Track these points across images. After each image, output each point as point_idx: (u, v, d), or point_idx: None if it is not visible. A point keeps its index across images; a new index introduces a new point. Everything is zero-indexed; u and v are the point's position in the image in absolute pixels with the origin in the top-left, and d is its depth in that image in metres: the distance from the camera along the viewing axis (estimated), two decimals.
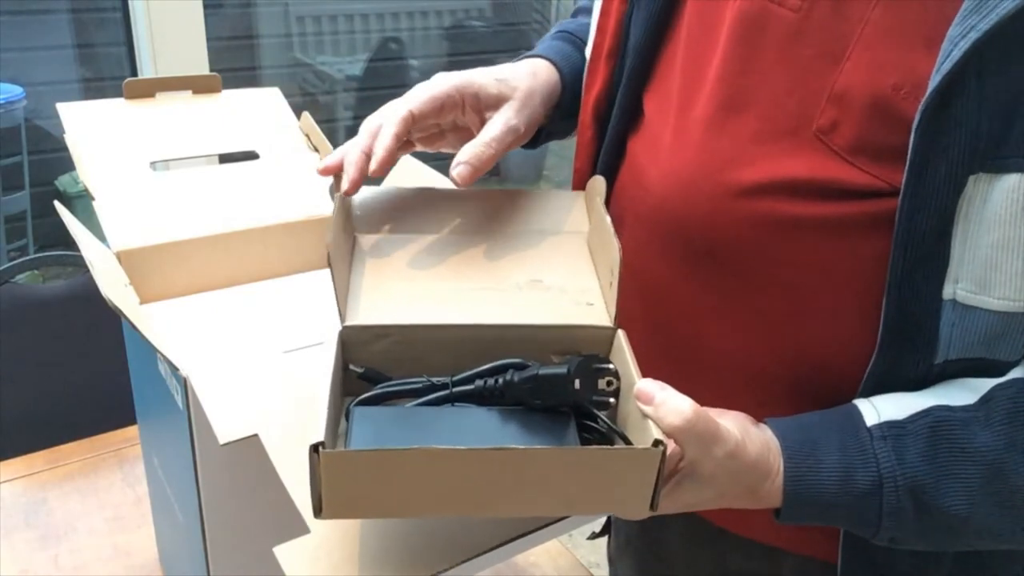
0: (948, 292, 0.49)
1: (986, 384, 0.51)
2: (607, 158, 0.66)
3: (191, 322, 0.66)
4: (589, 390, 0.50)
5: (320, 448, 0.43)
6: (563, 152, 3.54)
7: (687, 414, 0.46)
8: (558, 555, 0.91)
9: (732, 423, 0.50)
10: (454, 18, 3.31)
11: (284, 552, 0.47)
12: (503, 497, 0.45)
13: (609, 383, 0.50)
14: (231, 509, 0.60)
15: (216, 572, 0.62)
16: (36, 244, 2.65)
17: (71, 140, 0.76)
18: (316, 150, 0.82)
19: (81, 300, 1.29)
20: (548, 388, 0.49)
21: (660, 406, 0.46)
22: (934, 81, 0.46)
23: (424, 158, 0.73)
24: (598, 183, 0.63)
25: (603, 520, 0.82)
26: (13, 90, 2.48)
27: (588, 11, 0.72)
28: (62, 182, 2.62)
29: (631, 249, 0.61)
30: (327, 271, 0.51)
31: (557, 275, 0.59)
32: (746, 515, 0.65)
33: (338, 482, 0.43)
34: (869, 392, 0.52)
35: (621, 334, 0.54)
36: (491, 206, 0.65)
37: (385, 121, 0.59)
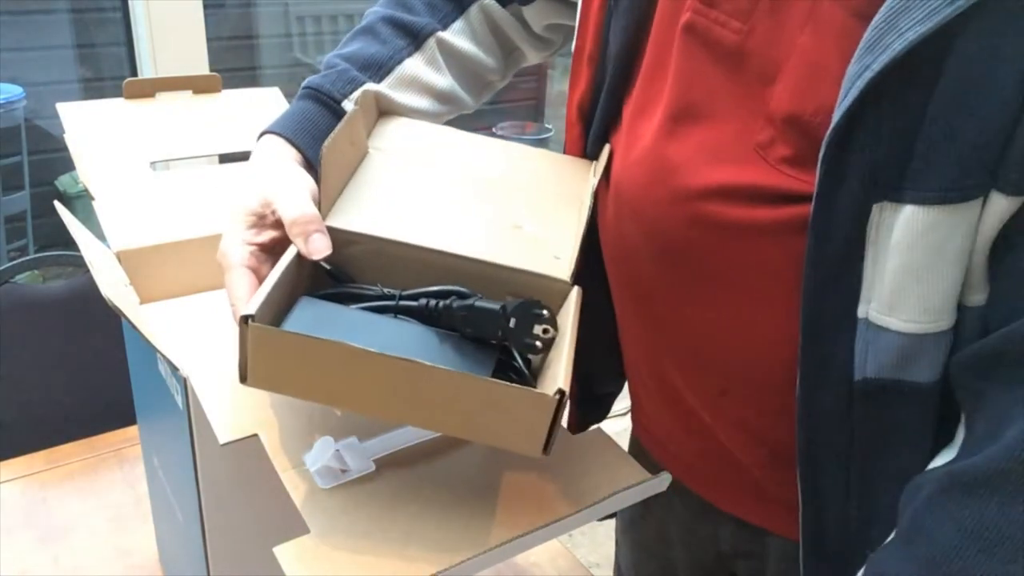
0: (862, 311, 0.51)
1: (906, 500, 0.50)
2: (592, 156, 0.68)
3: (191, 322, 0.66)
4: (523, 332, 0.52)
5: (249, 320, 0.46)
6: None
7: None
8: (558, 555, 0.91)
9: None
10: None
11: (284, 552, 0.47)
12: (406, 407, 0.48)
13: (545, 331, 0.52)
14: (231, 509, 0.60)
15: (216, 572, 0.62)
16: (36, 244, 2.65)
17: (71, 140, 0.76)
18: None
19: (81, 300, 1.29)
20: (480, 320, 0.52)
21: None
22: (835, 117, 0.47)
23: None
24: (608, 151, 0.66)
25: None
26: (13, 90, 2.48)
27: (345, 62, 0.70)
28: (62, 182, 2.62)
29: (618, 242, 0.64)
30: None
31: (540, 226, 0.61)
32: (723, 488, 0.69)
33: (262, 356, 0.47)
34: (802, 390, 0.54)
35: (576, 291, 0.56)
36: (508, 156, 0.68)
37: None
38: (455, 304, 0.53)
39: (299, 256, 0.54)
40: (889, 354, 0.51)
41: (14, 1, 2.47)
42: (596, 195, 0.64)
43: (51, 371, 1.28)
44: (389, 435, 0.56)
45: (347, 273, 0.57)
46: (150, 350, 0.58)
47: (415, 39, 0.73)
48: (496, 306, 0.52)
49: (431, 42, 0.73)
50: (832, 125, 0.47)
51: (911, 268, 0.48)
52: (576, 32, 0.67)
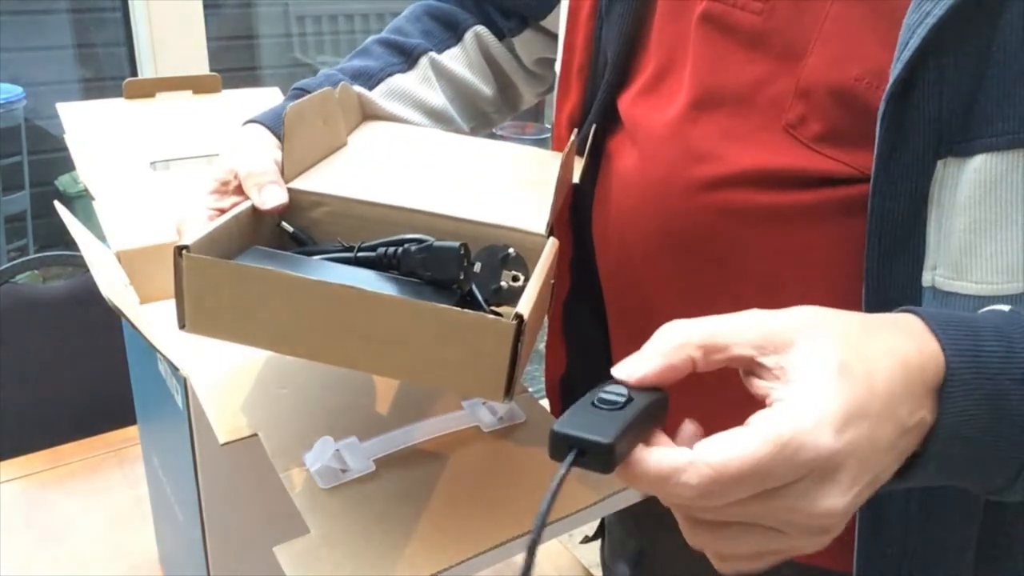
0: (927, 279, 0.49)
1: None
2: (589, 164, 0.67)
3: None
4: (490, 278, 0.49)
5: (184, 251, 0.43)
6: None
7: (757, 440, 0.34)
8: (558, 555, 0.91)
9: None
10: None
11: (284, 552, 0.47)
12: (353, 346, 0.44)
13: (515, 278, 0.49)
14: (231, 509, 0.60)
15: (216, 572, 0.62)
16: (36, 244, 2.65)
17: (71, 140, 0.76)
18: None
19: (81, 300, 1.29)
20: (440, 261, 0.48)
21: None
22: (895, 70, 0.46)
23: None
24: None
25: (596, 524, 0.82)
26: (13, 90, 2.48)
27: (339, 72, 0.70)
28: (62, 182, 2.62)
29: (619, 250, 0.62)
30: None
31: (517, 194, 0.59)
32: None
33: (198, 292, 0.44)
34: None
35: (551, 241, 0.53)
36: (494, 150, 0.67)
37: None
38: (412, 248, 0.50)
39: (256, 212, 0.53)
40: None
41: (14, 1, 2.47)
42: (582, 189, 0.63)
43: (51, 371, 1.28)
44: (389, 435, 0.56)
45: (311, 236, 0.55)
46: (150, 350, 0.58)
47: (408, 57, 0.73)
48: (455, 244, 0.48)
49: (424, 61, 0.73)
50: (892, 79, 0.46)
51: (981, 225, 0.46)
52: (562, 47, 0.67)
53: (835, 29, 0.50)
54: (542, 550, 0.91)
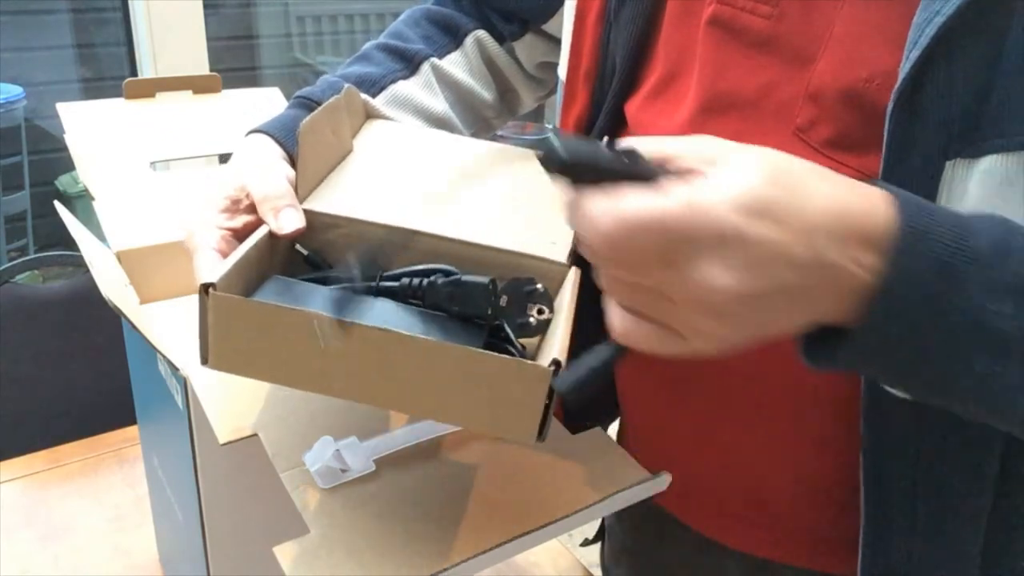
0: None
1: None
2: None
3: (191, 322, 0.66)
4: (516, 312, 0.48)
5: (210, 289, 0.42)
6: None
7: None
8: (558, 555, 0.91)
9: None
10: None
11: (284, 552, 0.47)
12: (382, 387, 0.43)
13: (540, 311, 0.48)
14: (231, 509, 0.60)
15: (216, 572, 0.62)
16: (36, 244, 2.65)
17: (71, 140, 0.76)
18: None
19: (81, 300, 1.29)
20: (468, 296, 0.47)
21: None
22: (904, 69, 0.46)
23: None
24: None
25: (596, 525, 0.82)
26: (13, 90, 2.48)
27: (341, 79, 0.69)
28: (62, 182, 2.62)
29: None
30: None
31: (534, 214, 0.58)
32: (738, 525, 0.64)
33: (224, 330, 0.43)
34: (868, 384, 0.52)
35: (573, 272, 0.53)
36: (501, 155, 0.66)
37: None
38: (439, 281, 0.49)
39: (272, 237, 0.52)
40: None
41: (14, 1, 2.47)
42: None
43: (51, 371, 1.28)
44: (389, 435, 0.56)
45: (325, 260, 0.54)
46: (150, 350, 0.58)
47: (410, 63, 0.72)
48: (484, 279, 0.48)
49: (426, 67, 0.73)
50: (900, 79, 0.46)
51: None
52: (568, 52, 0.66)
53: (845, 32, 0.50)
54: (542, 550, 0.91)
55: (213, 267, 0.49)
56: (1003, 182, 0.45)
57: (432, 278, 0.49)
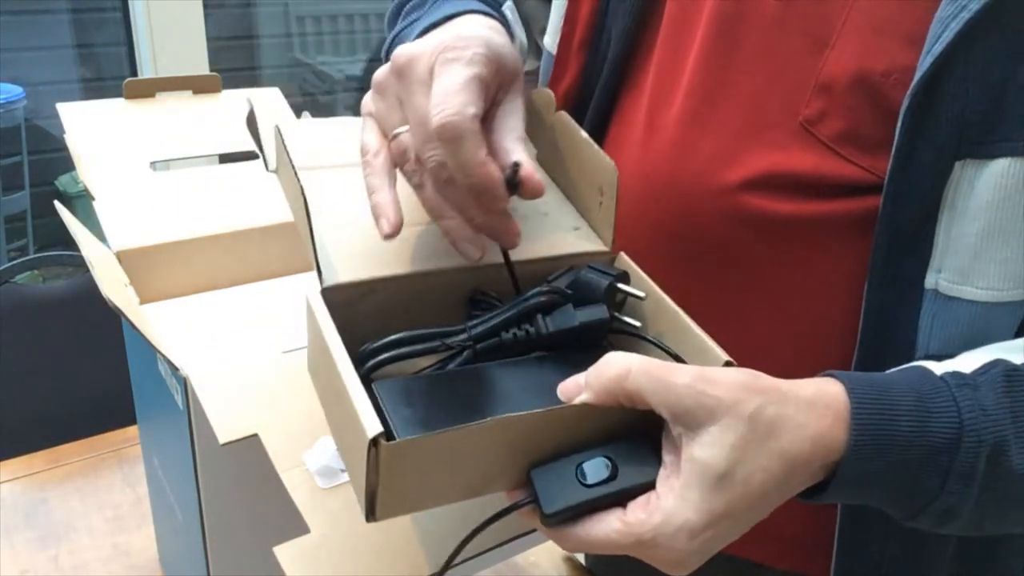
0: (930, 282, 0.48)
1: None
2: None
3: (191, 322, 0.66)
4: (614, 303, 0.48)
5: (379, 441, 0.36)
6: None
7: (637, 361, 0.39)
8: (558, 555, 0.91)
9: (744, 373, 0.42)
10: None
11: (284, 552, 0.47)
12: (539, 456, 0.41)
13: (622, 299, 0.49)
14: (231, 509, 0.60)
15: (216, 572, 0.62)
16: (36, 244, 2.65)
17: (71, 140, 0.76)
18: None
19: (81, 300, 1.29)
20: (589, 333, 0.46)
21: (593, 375, 0.40)
22: (924, 64, 0.45)
23: None
24: (545, 96, 0.55)
25: None
26: (13, 90, 2.48)
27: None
28: (62, 182, 2.62)
29: (623, 247, 0.60)
30: None
31: (535, 206, 0.53)
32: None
33: (397, 475, 0.38)
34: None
35: (624, 257, 0.51)
36: None
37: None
38: (551, 327, 0.46)
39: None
40: (958, 326, 0.48)
41: (14, 1, 2.47)
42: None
43: (51, 371, 1.28)
44: None
45: (367, 347, 0.46)
46: (150, 350, 0.58)
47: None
48: (603, 315, 0.46)
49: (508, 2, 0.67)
50: (920, 72, 0.45)
51: (996, 230, 0.46)
52: (563, 20, 0.62)
53: (862, 21, 0.48)
54: (542, 550, 0.91)
55: (363, 401, 0.40)
56: (1016, 185, 0.45)
57: (540, 325, 0.46)
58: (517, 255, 0.50)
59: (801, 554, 0.61)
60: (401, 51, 0.46)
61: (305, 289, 0.46)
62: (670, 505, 0.38)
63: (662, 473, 0.40)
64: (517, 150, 0.47)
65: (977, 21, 0.43)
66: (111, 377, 0.92)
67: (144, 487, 0.94)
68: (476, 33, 0.47)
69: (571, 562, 0.90)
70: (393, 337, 0.46)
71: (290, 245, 0.73)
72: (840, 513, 0.54)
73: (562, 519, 0.40)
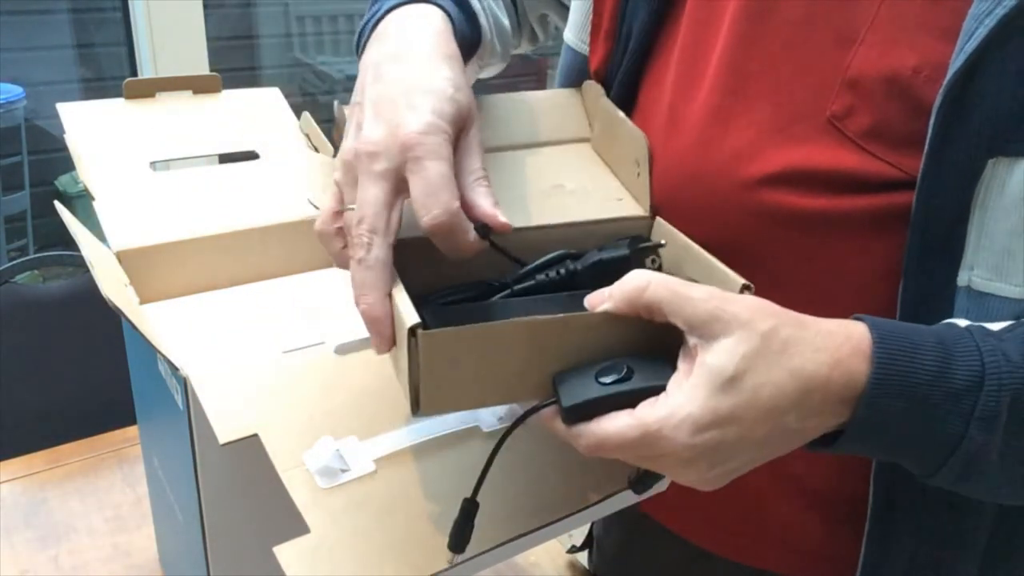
0: (963, 279, 0.48)
1: None
2: None
3: (191, 322, 0.66)
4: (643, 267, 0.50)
5: (418, 329, 0.41)
6: None
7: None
8: (558, 555, 0.91)
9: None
10: None
11: (284, 552, 0.47)
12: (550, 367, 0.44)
13: (653, 260, 0.51)
14: (231, 509, 0.60)
15: (216, 572, 0.62)
16: (36, 244, 2.65)
17: (71, 140, 0.76)
18: (316, 150, 0.82)
19: (81, 300, 1.29)
20: (612, 271, 0.48)
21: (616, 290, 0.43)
22: (957, 61, 0.44)
23: None
24: (594, 88, 0.63)
25: (584, 531, 0.82)
26: (13, 90, 2.48)
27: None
28: (62, 182, 2.62)
29: None
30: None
31: (576, 179, 0.59)
32: (734, 537, 0.64)
33: (437, 367, 0.42)
34: None
35: (661, 221, 0.55)
36: (487, 116, 0.64)
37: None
38: (579, 266, 0.51)
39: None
40: (991, 322, 0.47)
41: (14, 1, 2.47)
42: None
43: (51, 371, 1.28)
44: (389, 435, 0.56)
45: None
46: (150, 350, 0.58)
47: None
48: (623, 251, 0.50)
49: None
50: (952, 70, 0.45)
51: None
52: (592, 8, 0.63)
53: (892, 16, 0.48)
54: (542, 550, 0.91)
55: (404, 299, 0.44)
56: None
57: (568, 266, 0.51)
58: (565, 218, 0.54)
59: (824, 568, 0.60)
60: (365, 142, 0.47)
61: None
62: (676, 400, 0.40)
63: (674, 377, 0.42)
64: (479, 194, 0.49)
65: (1011, 18, 0.43)
66: (111, 377, 0.92)
67: (144, 487, 0.94)
68: (430, 94, 0.48)
69: (572, 562, 0.90)
70: (446, 288, 0.51)
71: (290, 245, 0.73)
72: (868, 528, 0.54)
73: (579, 415, 0.43)
